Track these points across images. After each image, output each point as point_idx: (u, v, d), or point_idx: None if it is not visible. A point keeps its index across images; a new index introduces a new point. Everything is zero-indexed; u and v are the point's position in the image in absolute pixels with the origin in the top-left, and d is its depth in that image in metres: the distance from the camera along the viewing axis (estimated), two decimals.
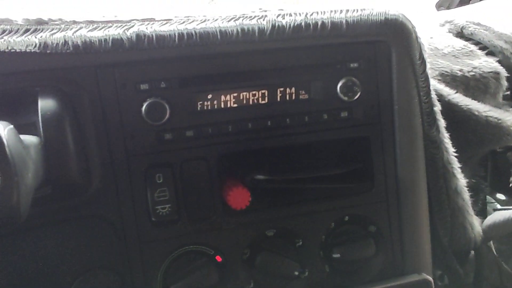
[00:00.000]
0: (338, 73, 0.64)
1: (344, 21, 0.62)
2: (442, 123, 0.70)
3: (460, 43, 0.93)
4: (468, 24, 0.97)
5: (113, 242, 0.60)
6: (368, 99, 0.66)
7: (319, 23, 0.61)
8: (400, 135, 0.67)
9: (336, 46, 0.64)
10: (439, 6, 1.41)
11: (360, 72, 0.65)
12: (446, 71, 0.85)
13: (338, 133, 0.65)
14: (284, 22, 0.61)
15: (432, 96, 0.68)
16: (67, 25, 0.59)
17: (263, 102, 0.63)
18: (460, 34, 0.97)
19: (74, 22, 0.61)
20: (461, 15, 1.07)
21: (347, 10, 0.63)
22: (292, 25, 0.61)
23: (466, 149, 0.81)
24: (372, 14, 0.63)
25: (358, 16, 0.63)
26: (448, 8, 1.37)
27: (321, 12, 0.63)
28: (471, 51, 0.92)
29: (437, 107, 0.70)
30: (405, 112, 0.67)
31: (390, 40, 0.64)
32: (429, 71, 0.68)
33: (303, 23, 0.61)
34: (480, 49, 0.92)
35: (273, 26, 0.60)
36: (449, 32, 0.98)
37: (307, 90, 0.64)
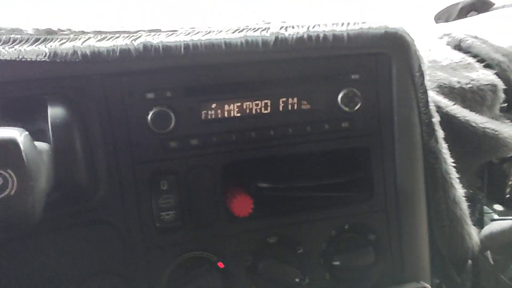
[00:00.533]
0: (339, 84, 0.66)
1: (345, 34, 0.64)
2: (440, 133, 0.72)
3: (458, 55, 0.95)
4: (466, 37, 0.99)
5: (119, 248, 0.61)
6: (369, 109, 0.67)
7: (321, 35, 0.63)
8: (399, 145, 0.68)
9: (337, 58, 0.65)
10: (437, 19, 1.44)
11: (361, 83, 0.66)
12: (444, 83, 0.86)
13: (339, 142, 0.67)
14: (287, 34, 0.62)
15: (431, 107, 0.70)
16: (75, 35, 0.61)
17: (266, 112, 0.64)
18: (458, 47, 0.99)
19: (83, 32, 0.62)
20: (459, 28, 1.09)
21: (348, 23, 0.65)
22: (294, 37, 0.62)
23: (463, 160, 0.82)
24: (372, 27, 0.65)
25: (359, 29, 0.64)
26: (447, 20, 1.39)
27: (323, 25, 0.64)
28: (468, 63, 0.94)
29: (436, 118, 0.71)
30: (404, 122, 0.68)
31: (390, 52, 0.66)
32: (427, 83, 0.69)
33: (305, 35, 0.62)
34: (477, 62, 0.94)
35: (276, 38, 0.62)
36: (448, 44, 1.00)
37: (309, 100, 0.65)
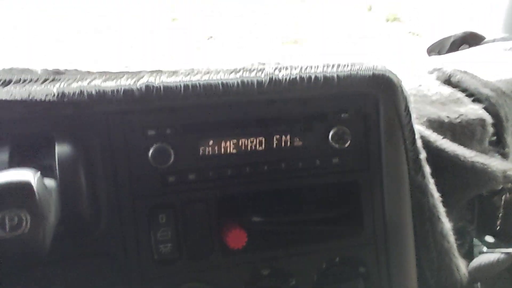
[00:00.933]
0: (330, 122, 0.69)
1: (335, 76, 0.67)
2: (427, 169, 0.74)
3: (447, 90, 0.98)
4: (455, 72, 1.02)
5: (117, 279, 0.63)
6: (358, 146, 0.70)
7: (313, 77, 0.67)
8: (387, 180, 0.71)
9: (328, 98, 0.69)
10: (430, 51, 1.48)
11: (350, 121, 0.70)
12: (434, 118, 0.89)
13: (330, 178, 0.70)
14: (280, 75, 0.66)
15: (418, 144, 0.73)
16: (82, 75, 0.64)
17: (261, 148, 0.67)
18: (448, 81, 1.02)
19: (88, 72, 0.67)
20: (450, 61, 1.13)
21: (338, 65, 0.69)
22: (287, 78, 0.66)
23: (453, 193, 0.84)
24: (361, 69, 0.69)
25: (348, 71, 0.68)
26: (439, 53, 1.43)
27: (315, 67, 0.68)
28: (458, 98, 0.96)
29: (423, 155, 0.74)
30: (392, 159, 0.71)
31: (378, 93, 0.70)
32: (414, 121, 0.73)
33: (297, 77, 0.66)
34: (466, 96, 0.97)
35: (271, 79, 0.65)
36: (437, 79, 1.04)
37: (301, 137, 0.68)
